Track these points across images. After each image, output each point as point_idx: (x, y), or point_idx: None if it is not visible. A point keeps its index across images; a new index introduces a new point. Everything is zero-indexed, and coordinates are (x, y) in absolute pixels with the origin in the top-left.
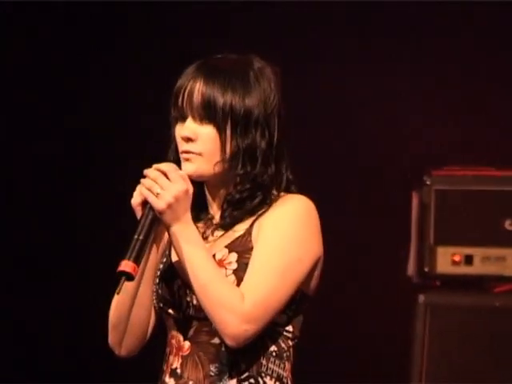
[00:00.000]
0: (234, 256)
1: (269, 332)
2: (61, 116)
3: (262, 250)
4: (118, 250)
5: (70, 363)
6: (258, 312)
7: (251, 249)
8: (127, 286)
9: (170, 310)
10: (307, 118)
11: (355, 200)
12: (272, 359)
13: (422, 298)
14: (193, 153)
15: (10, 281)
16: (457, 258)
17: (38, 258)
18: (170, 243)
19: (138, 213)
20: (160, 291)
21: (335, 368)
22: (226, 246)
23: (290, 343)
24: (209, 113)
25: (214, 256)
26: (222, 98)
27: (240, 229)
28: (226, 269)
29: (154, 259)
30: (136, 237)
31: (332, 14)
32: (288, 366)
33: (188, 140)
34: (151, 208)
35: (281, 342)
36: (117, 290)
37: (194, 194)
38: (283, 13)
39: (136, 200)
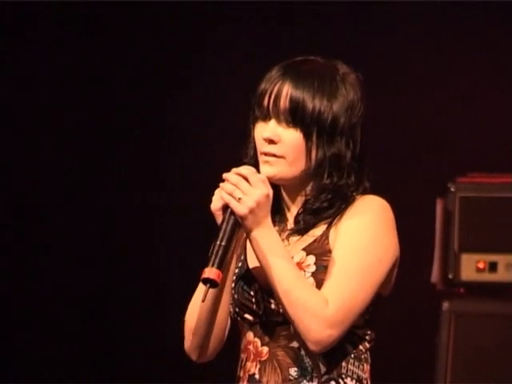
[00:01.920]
0: (311, 258)
1: (347, 335)
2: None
3: (342, 252)
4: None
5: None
6: (341, 316)
7: (329, 251)
8: (210, 293)
9: (247, 315)
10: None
11: None
12: (351, 361)
13: (446, 305)
14: (275, 155)
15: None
16: (481, 265)
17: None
18: (245, 247)
19: (218, 218)
20: (236, 296)
21: None
22: (303, 249)
23: (368, 345)
24: (296, 117)
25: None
26: (311, 103)
27: (315, 233)
28: (304, 271)
29: (233, 264)
30: (218, 243)
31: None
32: (367, 367)
33: (270, 142)
34: (232, 213)
35: (359, 344)
36: (202, 298)
37: (273, 197)
38: (284, 11)
39: (216, 205)
